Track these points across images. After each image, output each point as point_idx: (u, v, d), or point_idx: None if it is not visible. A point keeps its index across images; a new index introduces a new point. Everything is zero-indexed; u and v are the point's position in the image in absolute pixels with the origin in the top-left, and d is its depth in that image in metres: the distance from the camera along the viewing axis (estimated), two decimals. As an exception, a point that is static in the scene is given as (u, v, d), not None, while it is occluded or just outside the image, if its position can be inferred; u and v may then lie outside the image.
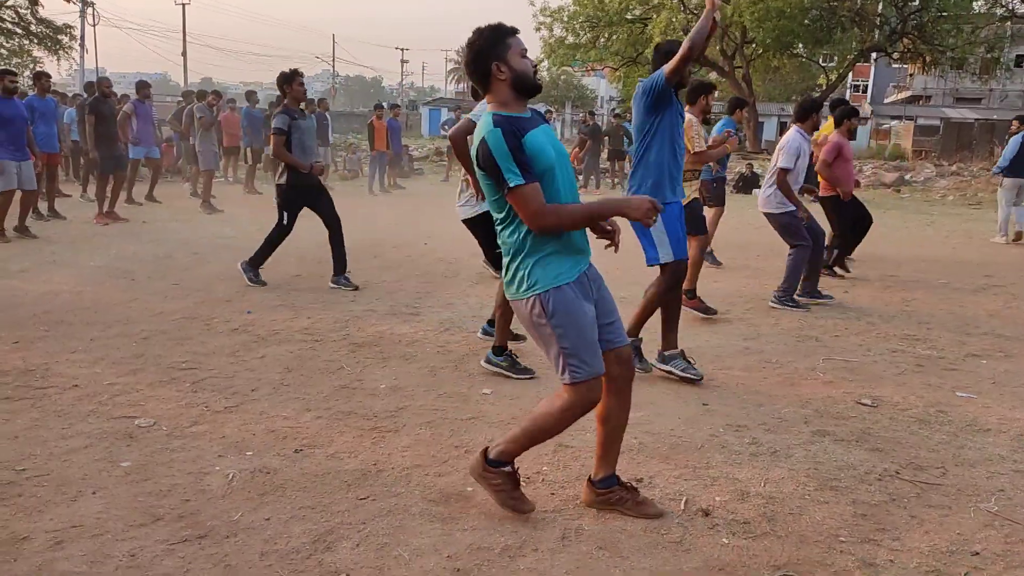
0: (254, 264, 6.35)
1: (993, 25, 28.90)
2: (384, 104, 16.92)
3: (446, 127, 18.03)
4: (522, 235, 2.53)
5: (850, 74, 55.96)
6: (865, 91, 59.05)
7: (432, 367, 4.34)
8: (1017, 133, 9.97)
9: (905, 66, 42.00)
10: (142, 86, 11.19)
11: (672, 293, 4.40)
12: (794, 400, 3.89)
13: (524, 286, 2.54)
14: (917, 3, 28.38)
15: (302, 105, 7.02)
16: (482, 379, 4.15)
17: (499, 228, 2.61)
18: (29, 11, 25.35)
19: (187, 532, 2.56)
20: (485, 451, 2.74)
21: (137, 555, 2.42)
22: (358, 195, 14.63)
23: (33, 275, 6.52)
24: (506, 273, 2.63)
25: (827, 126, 8.12)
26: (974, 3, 28.12)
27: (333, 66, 64.17)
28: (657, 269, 4.31)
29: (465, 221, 4.79)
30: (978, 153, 28.18)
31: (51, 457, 3.10)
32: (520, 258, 2.55)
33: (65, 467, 3.02)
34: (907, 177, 19.03)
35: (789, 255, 5.94)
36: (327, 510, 2.71)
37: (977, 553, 2.50)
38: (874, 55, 37.28)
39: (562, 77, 50.71)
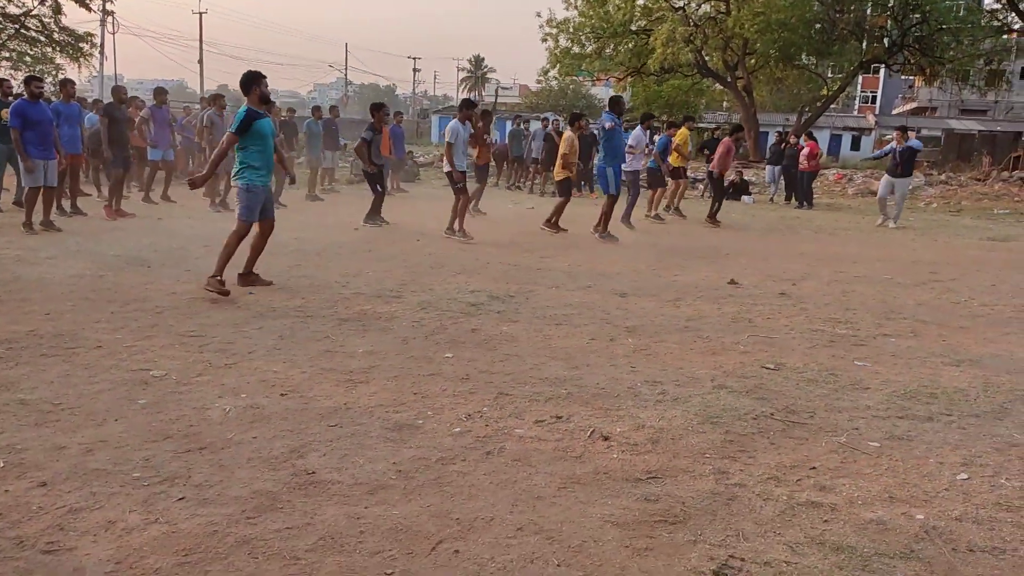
0: (371, 217, 10.58)
1: (993, 38, 29.36)
2: (389, 112, 17.63)
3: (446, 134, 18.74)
4: (245, 156, 6.07)
5: (859, 85, 56.72)
6: (873, 102, 59.55)
7: (405, 337, 5.02)
8: (893, 141, 13.04)
9: (912, 78, 42.48)
10: (159, 92, 11.99)
11: (610, 208, 10.17)
12: (710, 365, 4.54)
13: (242, 179, 6.11)
14: (917, 16, 28.93)
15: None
16: (446, 346, 4.82)
17: (237, 150, 6.11)
18: (52, 20, 26.34)
19: (191, 445, 3.25)
20: (212, 274, 5.98)
21: (151, 459, 3.10)
22: (364, 197, 15.34)
23: (59, 262, 7.24)
24: (235, 167, 6.15)
25: (681, 132, 13.08)
26: (972, 16, 28.58)
27: (346, 75, 65.30)
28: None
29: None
30: (974, 163, 28.62)
31: (81, 396, 3.79)
32: (243, 166, 6.09)
33: (92, 403, 3.70)
34: (867, 157, 19.56)
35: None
36: (302, 432, 3.39)
37: (814, 468, 3.15)
38: (882, 68, 37.84)
39: (571, 87, 51.43)
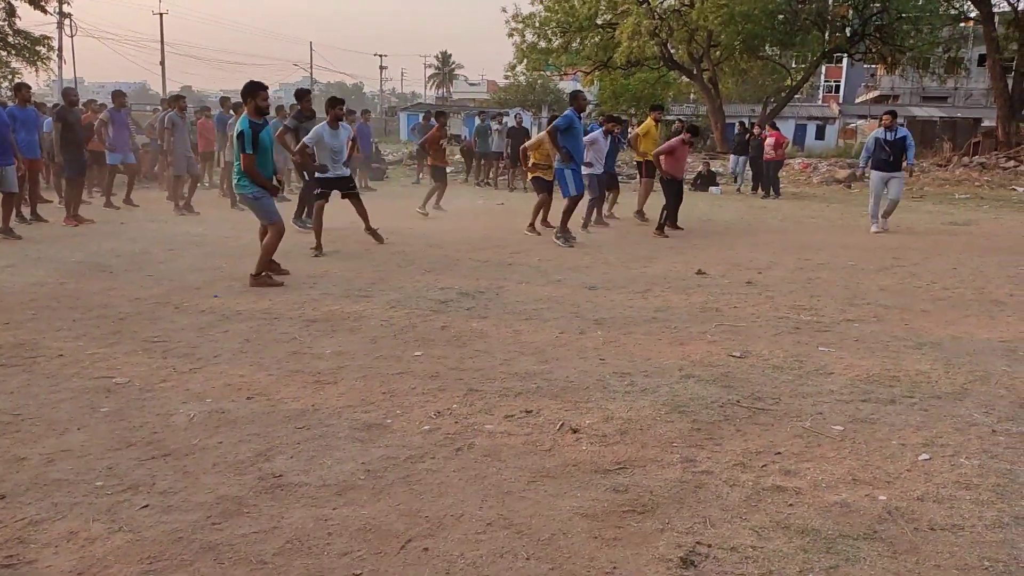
0: (299, 217, 10.10)
1: (951, 26, 29.91)
2: (355, 110, 17.53)
3: (415, 131, 18.64)
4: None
5: (823, 74, 57.47)
6: (837, 91, 60.38)
7: (374, 337, 4.99)
8: (878, 129, 10.67)
9: (875, 66, 43.15)
10: (117, 95, 11.77)
11: (570, 207, 9.24)
12: (678, 355, 4.58)
13: (248, 189, 6.39)
14: (878, 5, 29.38)
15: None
16: (415, 344, 4.80)
17: (236, 163, 6.42)
18: (6, 23, 25.73)
19: (154, 452, 3.20)
20: (252, 274, 6.51)
21: (114, 468, 3.05)
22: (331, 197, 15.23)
23: (19, 270, 7.09)
24: (236, 177, 6.47)
25: (645, 124, 11.77)
26: (931, 5, 29.07)
27: (311, 73, 64.74)
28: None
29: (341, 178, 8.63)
30: (936, 149, 29.13)
31: (42, 406, 3.71)
32: (242, 174, 6.36)
33: (54, 412, 3.63)
34: (859, 173, 19.85)
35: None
36: (269, 436, 3.36)
37: (779, 453, 3.19)
38: (844, 57, 38.35)
39: (539, 82, 51.44)
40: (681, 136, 10.31)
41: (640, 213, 11.62)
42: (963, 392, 3.99)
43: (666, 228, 10.15)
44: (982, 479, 2.97)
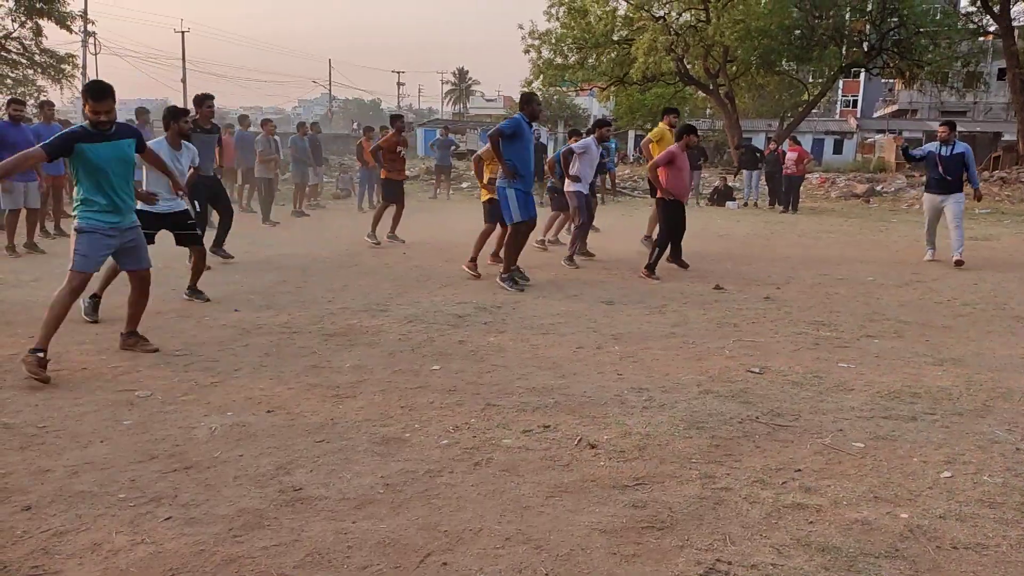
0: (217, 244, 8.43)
1: (969, 40, 29.77)
2: (372, 126, 17.70)
3: (434, 147, 18.77)
4: (81, 188, 4.58)
5: (840, 89, 57.32)
6: (855, 105, 60.16)
7: (392, 351, 5.02)
8: (934, 142, 9.17)
9: (893, 81, 42.98)
10: (141, 112, 11.98)
11: (515, 240, 7.27)
12: (696, 370, 4.57)
13: (79, 217, 4.57)
14: (895, 20, 29.30)
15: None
16: (433, 358, 4.83)
17: (76, 181, 4.66)
18: (33, 42, 26.24)
19: (177, 465, 3.23)
20: (32, 348, 4.37)
21: (137, 480, 3.09)
22: (348, 212, 15.41)
23: (44, 284, 7.19)
24: (75, 202, 4.64)
25: (657, 129, 9.84)
26: (949, 19, 28.95)
27: (330, 90, 65.50)
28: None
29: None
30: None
31: (66, 418, 3.76)
32: (81, 200, 4.58)
33: (78, 425, 3.68)
34: (878, 188, 19.77)
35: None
36: (289, 449, 3.39)
37: (799, 470, 3.17)
38: (862, 71, 38.26)
39: (555, 97, 51.72)
40: (683, 140, 8.15)
41: (648, 239, 9.84)
42: (985, 409, 3.95)
43: (669, 261, 8.44)
44: (1006, 497, 2.94)
